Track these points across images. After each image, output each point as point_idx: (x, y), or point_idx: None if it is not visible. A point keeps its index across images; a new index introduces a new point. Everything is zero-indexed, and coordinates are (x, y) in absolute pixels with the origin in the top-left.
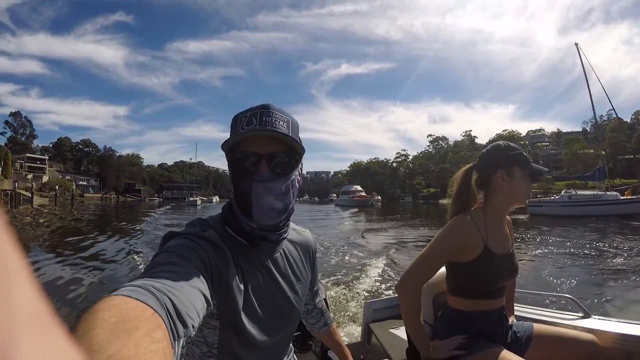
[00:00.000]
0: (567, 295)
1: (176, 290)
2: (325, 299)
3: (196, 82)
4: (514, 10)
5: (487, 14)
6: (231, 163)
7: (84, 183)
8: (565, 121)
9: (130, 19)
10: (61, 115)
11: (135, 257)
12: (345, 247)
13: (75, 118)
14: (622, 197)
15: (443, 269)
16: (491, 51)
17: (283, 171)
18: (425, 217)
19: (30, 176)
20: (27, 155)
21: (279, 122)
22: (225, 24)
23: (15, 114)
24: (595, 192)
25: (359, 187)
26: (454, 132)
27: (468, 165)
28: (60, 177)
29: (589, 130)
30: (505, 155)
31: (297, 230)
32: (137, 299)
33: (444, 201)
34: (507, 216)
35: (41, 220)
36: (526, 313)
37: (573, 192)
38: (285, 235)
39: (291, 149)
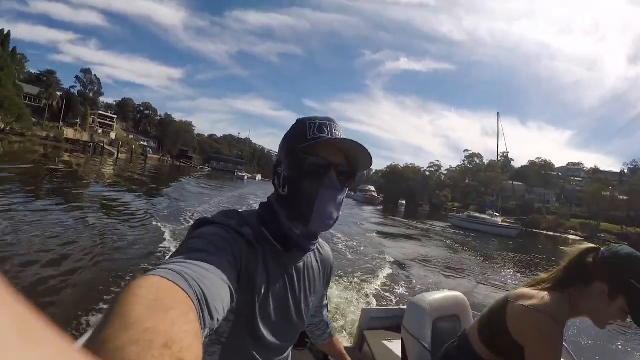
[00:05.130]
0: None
1: (207, 281)
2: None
3: (253, 54)
4: (585, 29)
5: (556, 28)
6: (300, 165)
7: (144, 144)
8: (622, 157)
9: None
10: (116, 69)
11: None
12: (355, 245)
13: (130, 74)
14: (499, 223)
15: (449, 294)
16: (555, 68)
17: (346, 182)
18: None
19: (100, 131)
20: (100, 112)
21: (344, 136)
22: None
23: (86, 71)
24: (486, 217)
25: (372, 188)
26: (503, 149)
27: (591, 247)
28: (125, 135)
29: (626, 172)
30: (626, 277)
31: (320, 244)
32: (173, 281)
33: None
34: None
35: (137, 169)
36: None
37: (470, 213)
38: (315, 247)
39: (352, 164)
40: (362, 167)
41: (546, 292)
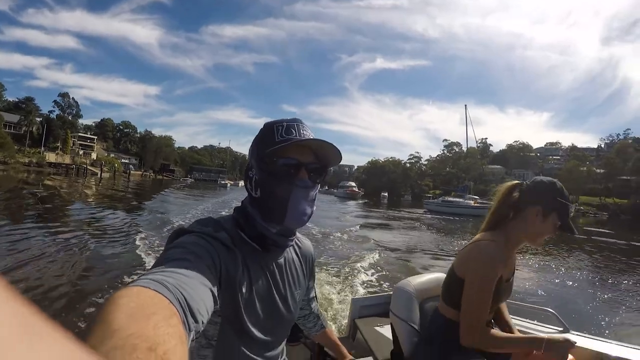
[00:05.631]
0: (549, 310)
1: (188, 287)
2: (315, 296)
3: (229, 66)
4: (557, 17)
5: (529, 19)
6: (269, 167)
7: (126, 161)
8: (599, 134)
9: (167, 0)
10: (94, 91)
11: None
12: (340, 239)
13: (107, 95)
14: (472, 204)
15: (433, 275)
16: (530, 57)
17: (317, 179)
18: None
19: (81, 152)
20: (79, 134)
21: (312, 135)
22: (263, 10)
23: (64, 95)
24: (459, 200)
25: (352, 184)
26: (484, 136)
27: (514, 182)
28: (106, 154)
29: (603, 147)
30: (552, 197)
31: (299, 238)
32: (155, 290)
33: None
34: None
35: (121, 187)
36: None
37: (444, 198)
38: (293, 242)
39: (322, 160)
40: (332, 162)
41: (483, 233)
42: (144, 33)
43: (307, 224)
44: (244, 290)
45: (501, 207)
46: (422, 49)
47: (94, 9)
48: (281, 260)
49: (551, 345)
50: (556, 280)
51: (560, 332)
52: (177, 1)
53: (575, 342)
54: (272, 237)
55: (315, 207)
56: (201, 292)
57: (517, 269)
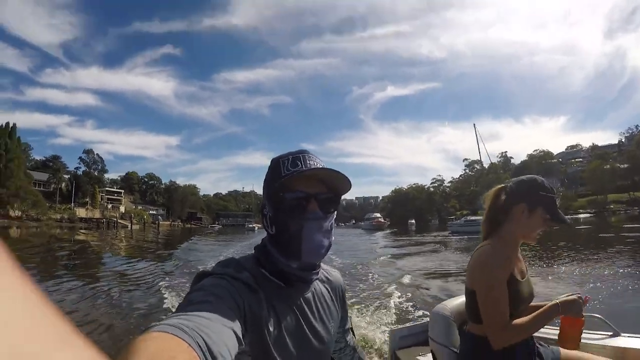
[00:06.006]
0: (596, 315)
1: (208, 330)
2: (351, 328)
3: (245, 111)
4: (557, 18)
5: (530, 25)
6: (279, 203)
7: (154, 212)
8: (618, 129)
9: (178, 52)
10: (115, 146)
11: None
12: (369, 269)
13: (129, 148)
14: None
15: (463, 299)
16: (537, 62)
17: (330, 209)
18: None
19: (110, 206)
20: (107, 189)
21: (320, 164)
22: (270, 53)
23: (89, 151)
24: (482, 217)
25: (377, 215)
26: (504, 149)
27: (500, 186)
28: (134, 207)
29: (623, 141)
30: (535, 192)
31: (326, 270)
32: (173, 334)
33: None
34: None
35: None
36: (552, 335)
37: (467, 218)
38: (319, 275)
39: (333, 189)
40: (342, 190)
41: (483, 242)
42: (159, 85)
43: (334, 257)
44: (271, 328)
45: (492, 212)
46: (430, 71)
47: (109, 64)
48: (309, 295)
49: (567, 306)
50: (597, 284)
51: (610, 336)
52: (188, 51)
53: (587, 298)
54: (294, 273)
55: (333, 238)
56: (222, 334)
57: (555, 280)
